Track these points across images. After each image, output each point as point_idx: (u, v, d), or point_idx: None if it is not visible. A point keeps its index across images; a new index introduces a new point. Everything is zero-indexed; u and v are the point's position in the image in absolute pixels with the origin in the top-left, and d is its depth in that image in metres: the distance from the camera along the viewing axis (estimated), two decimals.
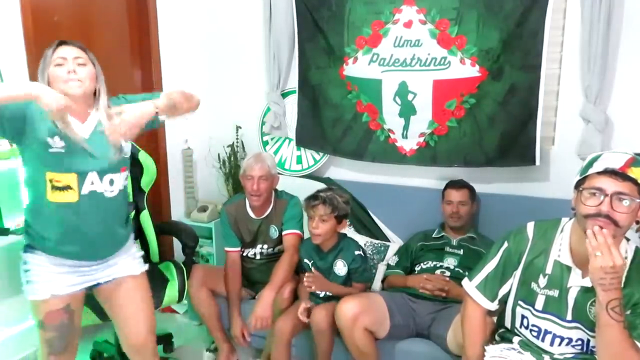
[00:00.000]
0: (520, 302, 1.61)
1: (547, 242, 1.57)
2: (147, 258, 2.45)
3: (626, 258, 1.44)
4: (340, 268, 2.25)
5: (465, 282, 1.72)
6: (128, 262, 1.88)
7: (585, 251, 1.44)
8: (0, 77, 2.21)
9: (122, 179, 1.78)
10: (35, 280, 1.71)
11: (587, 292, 1.48)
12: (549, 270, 1.54)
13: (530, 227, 1.61)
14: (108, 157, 1.69)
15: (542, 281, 1.55)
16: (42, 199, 1.67)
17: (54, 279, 1.72)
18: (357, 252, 2.24)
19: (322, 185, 2.89)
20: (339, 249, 2.27)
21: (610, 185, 1.37)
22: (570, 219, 1.56)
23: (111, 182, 1.73)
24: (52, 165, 1.63)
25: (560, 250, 1.54)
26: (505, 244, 1.63)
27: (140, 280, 1.91)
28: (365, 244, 2.64)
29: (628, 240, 1.50)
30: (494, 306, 1.66)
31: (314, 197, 2.22)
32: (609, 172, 1.38)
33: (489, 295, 1.65)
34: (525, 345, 1.61)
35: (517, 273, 1.61)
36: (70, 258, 1.74)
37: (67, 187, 1.65)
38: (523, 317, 1.61)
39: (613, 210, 1.36)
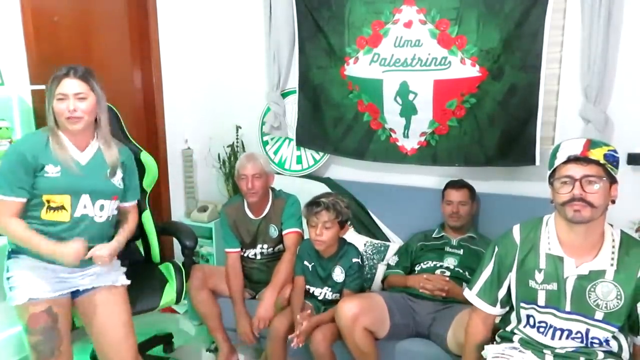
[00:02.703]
0: (522, 304, 1.63)
1: (535, 238, 1.61)
2: (148, 259, 2.47)
3: (614, 241, 1.53)
4: (338, 275, 2.23)
5: (466, 292, 1.76)
6: (109, 273, 1.92)
7: (574, 239, 1.52)
8: (0, 78, 2.22)
9: (112, 207, 1.90)
10: (16, 286, 1.76)
11: (583, 280, 1.52)
12: (542, 265, 1.58)
13: (516, 229, 1.66)
14: (101, 181, 1.84)
15: (539, 277, 1.58)
16: (36, 219, 1.78)
17: (33, 283, 1.76)
18: (354, 260, 2.22)
19: (322, 185, 2.91)
20: (340, 256, 2.24)
21: (577, 170, 1.47)
22: (552, 213, 1.62)
23: (101, 207, 1.85)
24: (48, 188, 1.76)
25: (549, 243, 1.58)
26: (496, 249, 1.68)
27: (119, 292, 1.92)
28: (365, 244, 2.65)
29: (612, 225, 1.56)
30: (497, 310, 1.70)
31: (315, 204, 2.15)
32: (572, 160, 1.47)
33: (490, 301, 1.69)
34: (526, 343, 1.62)
35: (512, 275, 1.64)
36: (52, 262, 1.79)
37: (61, 207, 1.77)
38: (529, 316, 1.63)
39: (585, 193, 1.45)
